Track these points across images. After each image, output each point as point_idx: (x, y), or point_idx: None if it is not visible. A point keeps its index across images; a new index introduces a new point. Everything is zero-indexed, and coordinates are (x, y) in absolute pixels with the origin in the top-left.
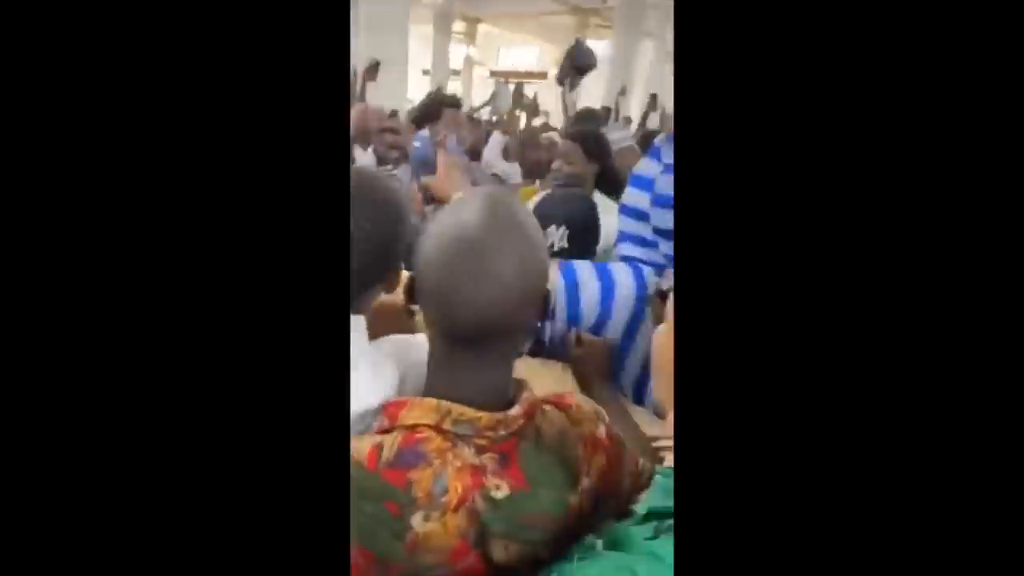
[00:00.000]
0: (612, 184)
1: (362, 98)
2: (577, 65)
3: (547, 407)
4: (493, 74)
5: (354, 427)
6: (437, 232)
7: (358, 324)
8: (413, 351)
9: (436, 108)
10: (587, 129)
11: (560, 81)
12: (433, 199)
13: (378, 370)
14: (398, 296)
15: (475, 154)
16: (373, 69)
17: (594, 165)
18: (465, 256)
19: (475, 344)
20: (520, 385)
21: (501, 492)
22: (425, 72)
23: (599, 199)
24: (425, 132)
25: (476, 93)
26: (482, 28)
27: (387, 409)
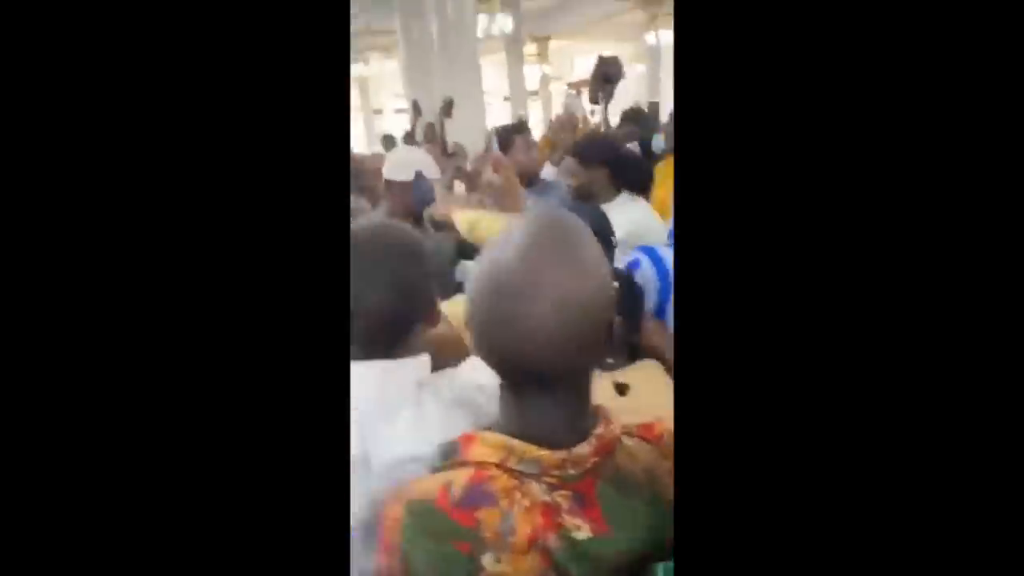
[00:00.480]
0: (633, 177)
1: (442, 136)
2: (606, 78)
3: (630, 440)
4: (569, 86)
5: (424, 465)
6: (483, 269)
7: (420, 363)
8: (484, 380)
9: (508, 138)
10: (582, 140)
11: (593, 100)
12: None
13: (443, 405)
14: (449, 325)
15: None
16: (448, 107)
17: (600, 170)
18: (510, 295)
19: (538, 381)
20: (599, 415)
21: (582, 533)
22: (506, 99)
23: (626, 197)
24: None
25: (556, 109)
26: (553, 44)
27: (461, 443)
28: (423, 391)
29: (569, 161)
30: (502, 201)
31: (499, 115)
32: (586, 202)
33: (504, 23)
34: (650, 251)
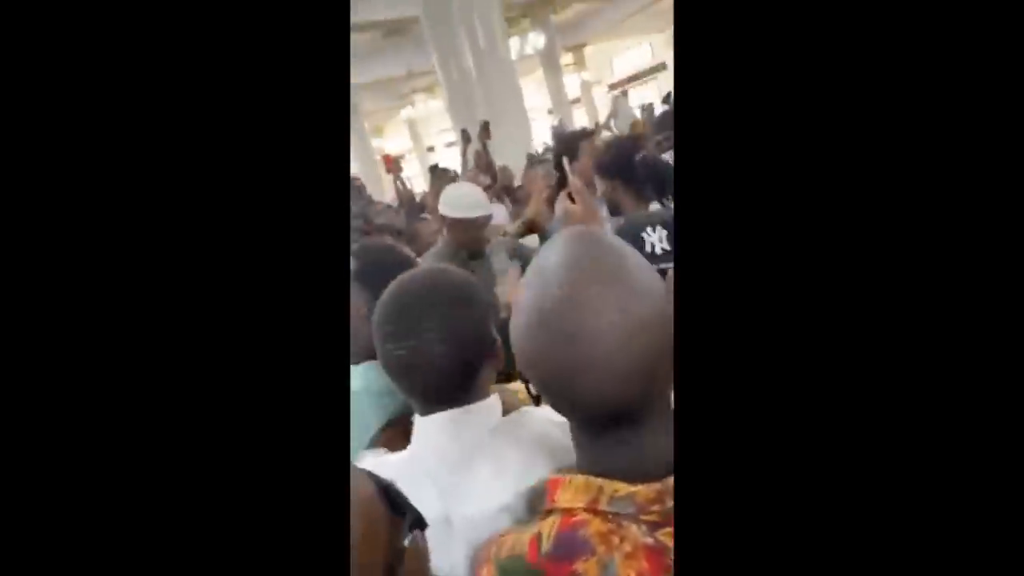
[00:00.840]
0: (653, 185)
1: (486, 157)
2: (564, 150)
3: None
4: (610, 88)
5: (509, 517)
6: (526, 306)
7: (490, 407)
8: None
9: (574, 145)
10: (600, 153)
11: (557, 168)
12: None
13: (521, 449)
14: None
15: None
16: (485, 130)
17: (614, 181)
18: (561, 330)
19: (612, 416)
20: None
21: None
22: (549, 112)
23: (658, 206)
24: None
25: (602, 112)
26: (588, 50)
27: (547, 489)
28: (498, 437)
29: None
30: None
31: (545, 129)
32: (615, 215)
33: (536, 41)
34: None
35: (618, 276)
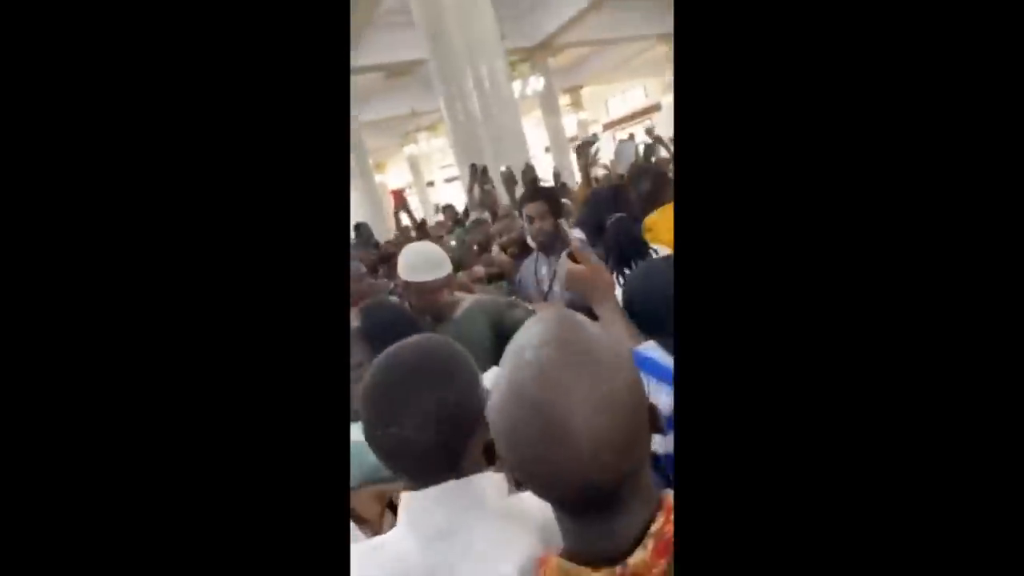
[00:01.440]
0: (616, 256)
1: (491, 198)
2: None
3: None
4: (605, 127)
5: None
6: (502, 395)
7: (486, 481)
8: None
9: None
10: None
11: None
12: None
13: (510, 532)
14: None
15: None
16: (484, 174)
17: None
18: (539, 416)
19: (593, 498)
20: (661, 506)
21: None
22: (547, 149)
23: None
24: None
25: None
26: (585, 91)
27: (535, 567)
28: (494, 511)
29: (576, 231)
30: (591, 296)
31: (543, 166)
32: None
33: (536, 83)
34: (643, 363)
35: (588, 355)
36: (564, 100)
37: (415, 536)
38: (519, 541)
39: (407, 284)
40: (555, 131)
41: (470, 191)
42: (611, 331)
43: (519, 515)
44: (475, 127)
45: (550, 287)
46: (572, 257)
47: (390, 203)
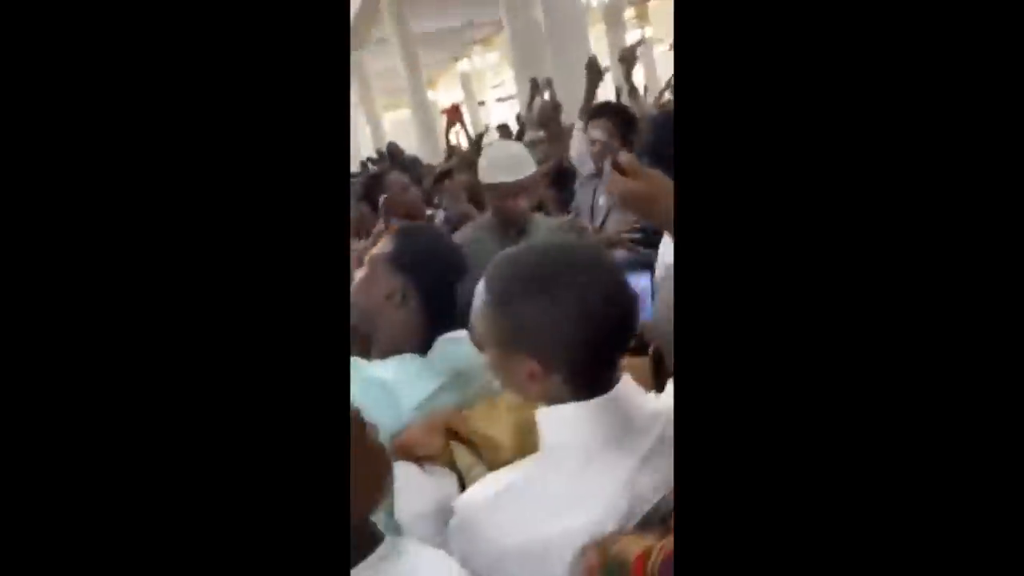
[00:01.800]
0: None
1: (557, 114)
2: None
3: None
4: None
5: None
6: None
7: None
8: None
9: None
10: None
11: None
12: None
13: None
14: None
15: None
16: (549, 87)
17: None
18: None
19: None
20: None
21: None
22: (607, 69)
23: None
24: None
25: (662, 72)
26: (652, 5)
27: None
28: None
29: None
30: (653, 214)
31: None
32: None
33: None
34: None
35: None
36: (629, 13)
37: (573, 455)
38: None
39: (489, 187)
40: (618, 48)
41: (528, 107)
42: None
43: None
44: (537, 38)
45: (606, 218)
46: (619, 168)
47: (442, 123)
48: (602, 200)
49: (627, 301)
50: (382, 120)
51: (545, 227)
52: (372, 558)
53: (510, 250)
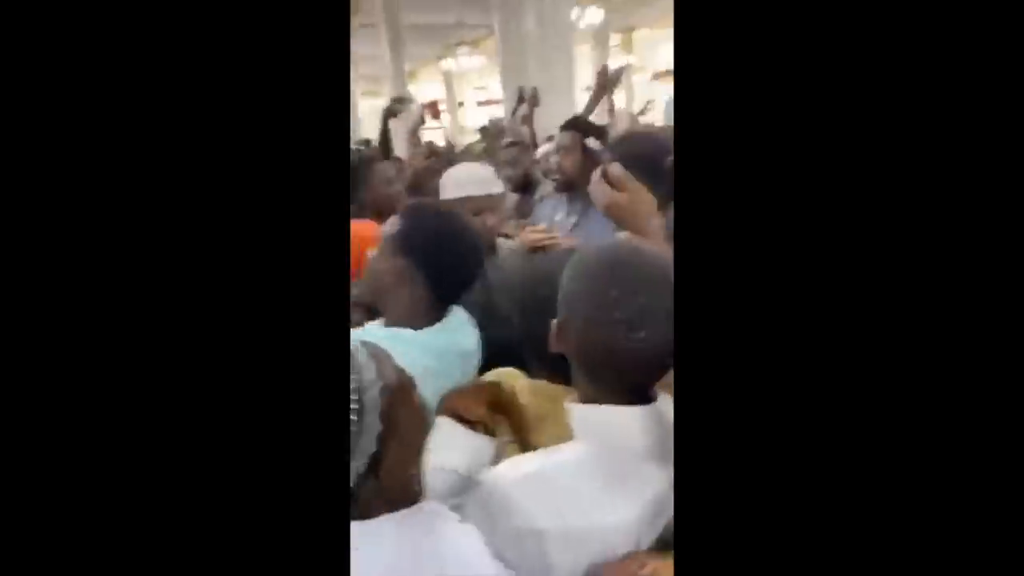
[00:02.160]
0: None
1: (530, 124)
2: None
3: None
4: (655, 76)
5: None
6: None
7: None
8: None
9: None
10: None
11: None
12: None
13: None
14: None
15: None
16: (534, 96)
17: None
18: None
19: None
20: None
21: None
22: (587, 88)
23: None
24: None
25: (638, 98)
26: (637, 35)
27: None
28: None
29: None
30: (634, 224)
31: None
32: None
33: (595, 16)
34: None
35: None
36: (614, 40)
37: (620, 456)
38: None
39: (455, 203)
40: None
41: (513, 113)
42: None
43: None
44: (526, 49)
45: (576, 226)
46: (606, 177)
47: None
48: (559, 216)
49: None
50: (358, 106)
51: (508, 248)
52: (401, 512)
53: (621, 254)
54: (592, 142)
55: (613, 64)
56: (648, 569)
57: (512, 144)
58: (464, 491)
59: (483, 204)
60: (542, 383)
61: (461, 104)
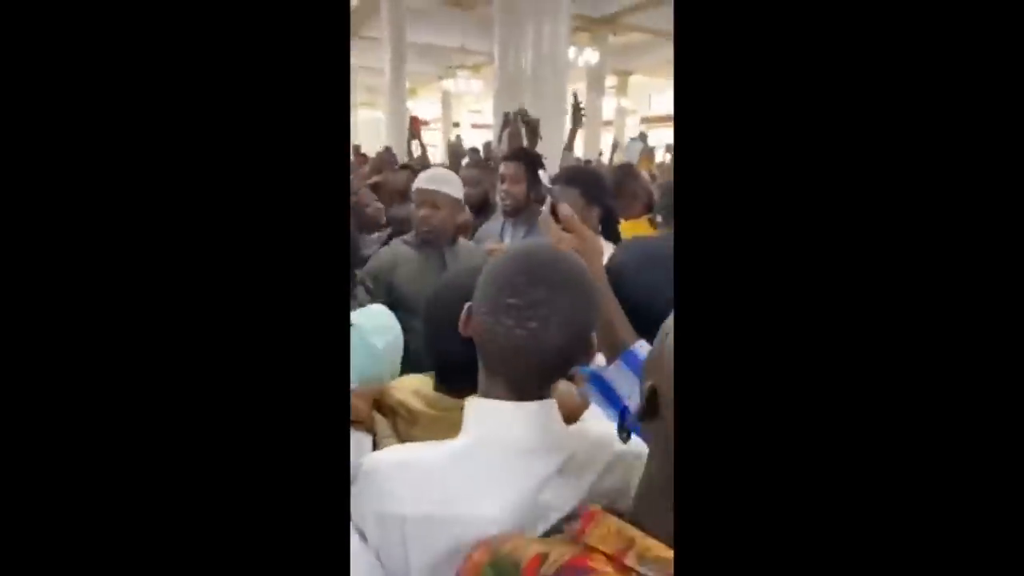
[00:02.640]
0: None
1: (519, 140)
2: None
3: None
4: (643, 120)
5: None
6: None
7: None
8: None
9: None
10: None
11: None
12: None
13: (587, 458)
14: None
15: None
16: (530, 123)
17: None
18: None
19: None
20: None
21: None
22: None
23: None
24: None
25: (625, 138)
26: (633, 80)
27: (582, 516)
28: (574, 437)
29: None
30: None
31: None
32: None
33: (591, 56)
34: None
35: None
36: (610, 82)
37: (494, 449)
38: (591, 471)
39: (417, 191)
40: (593, 110)
41: (499, 138)
42: (603, 315)
43: (598, 450)
44: (522, 81)
45: None
46: (555, 216)
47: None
48: (507, 238)
49: (593, 323)
50: (356, 115)
51: (466, 250)
52: None
53: (516, 251)
54: (543, 176)
55: (608, 109)
56: (510, 545)
57: (473, 165)
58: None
59: (439, 200)
60: (436, 394)
61: (457, 124)
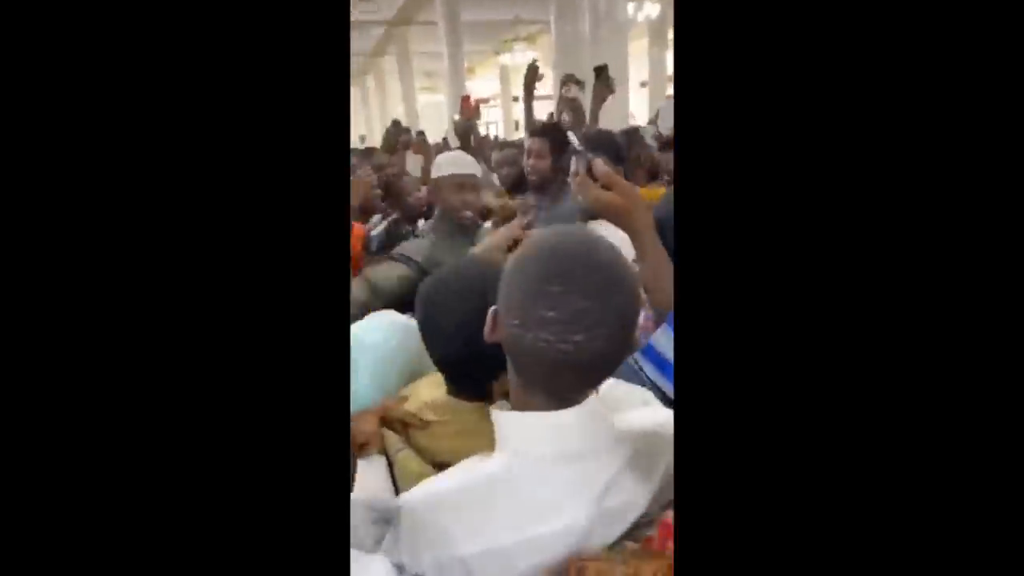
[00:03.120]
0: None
1: (578, 107)
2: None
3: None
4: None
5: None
6: None
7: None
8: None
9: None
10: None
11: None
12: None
13: (644, 458)
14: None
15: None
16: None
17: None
18: None
19: None
20: None
21: None
22: (643, 84)
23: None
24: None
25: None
26: None
27: (659, 529)
28: (627, 440)
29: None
30: (627, 223)
31: (638, 100)
32: None
33: (652, 9)
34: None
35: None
36: (672, 34)
37: (543, 464)
38: (659, 463)
39: (436, 182)
40: (657, 66)
41: (558, 103)
42: (655, 269)
43: (654, 447)
44: (580, 45)
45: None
46: (591, 175)
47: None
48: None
49: (636, 320)
50: (418, 101)
51: (485, 236)
52: None
53: (544, 248)
54: (572, 138)
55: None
56: (596, 566)
57: (508, 145)
58: (366, 517)
59: (464, 181)
60: (446, 400)
61: (516, 98)
